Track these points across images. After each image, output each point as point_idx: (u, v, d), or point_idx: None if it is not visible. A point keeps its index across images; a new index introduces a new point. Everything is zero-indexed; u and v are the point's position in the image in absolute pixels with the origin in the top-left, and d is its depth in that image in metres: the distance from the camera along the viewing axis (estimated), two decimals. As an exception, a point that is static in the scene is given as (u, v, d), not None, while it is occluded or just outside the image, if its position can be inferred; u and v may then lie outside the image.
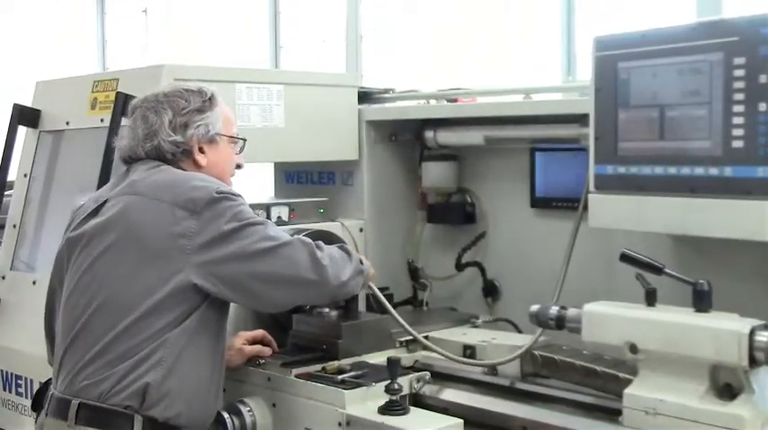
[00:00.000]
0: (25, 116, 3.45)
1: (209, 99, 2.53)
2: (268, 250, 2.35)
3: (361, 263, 2.61)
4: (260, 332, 2.84)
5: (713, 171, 2.33)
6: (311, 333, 2.86)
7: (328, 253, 2.48)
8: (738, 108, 2.27)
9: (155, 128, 2.46)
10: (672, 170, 2.42)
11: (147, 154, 2.48)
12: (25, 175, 3.53)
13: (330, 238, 3.13)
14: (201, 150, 2.50)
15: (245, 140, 2.65)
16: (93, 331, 2.31)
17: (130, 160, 2.51)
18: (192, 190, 2.36)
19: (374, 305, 3.02)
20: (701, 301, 2.21)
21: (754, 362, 2.05)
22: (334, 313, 2.89)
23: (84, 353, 2.31)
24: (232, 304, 2.55)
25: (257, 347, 2.79)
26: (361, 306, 3.13)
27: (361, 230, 3.42)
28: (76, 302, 2.37)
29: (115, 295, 2.31)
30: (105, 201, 2.43)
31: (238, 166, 2.64)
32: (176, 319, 2.32)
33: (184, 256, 2.30)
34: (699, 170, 2.36)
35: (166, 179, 2.41)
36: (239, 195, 2.43)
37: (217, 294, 2.36)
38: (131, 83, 3.00)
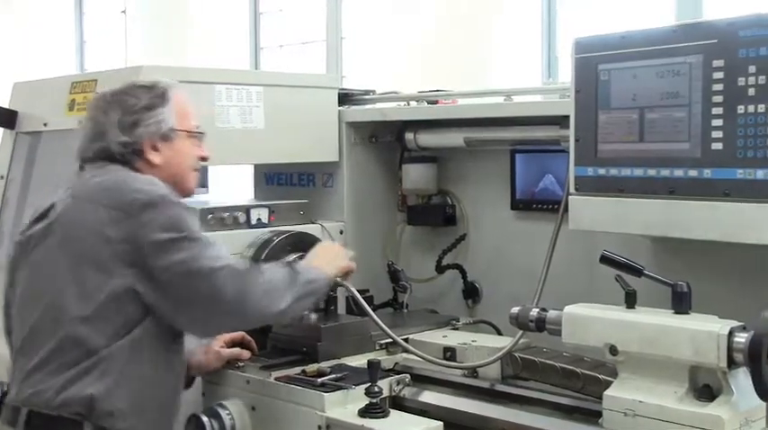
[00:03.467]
0: (2, 117, 3.42)
1: (162, 94, 2.45)
2: (196, 273, 2.24)
3: (313, 280, 2.49)
4: (239, 334, 2.81)
5: (692, 173, 2.35)
6: (291, 335, 2.85)
7: (268, 279, 2.36)
8: (717, 110, 2.28)
9: (103, 128, 2.41)
10: (651, 172, 2.43)
11: (96, 155, 2.41)
12: (2, 177, 3.51)
13: (310, 241, 3.14)
14: (155, 148, 2.42)
15: (202, 134, 2.56)
16: (38, 338, 2.26)
17: (83, 161, 2.46)
18: (132, 192, 2.27)
19: (354, 307, 3.02)
20: (681, 303, 2.21)
21: (732, 363, 2.06)
22: (313, 316, 2.88)
23: (30, 360, 2.25)
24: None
25: (236, 350, 2.76)
26: (341, 308, 3.14)
27: (341, 232, 3.42)
28: (24, 307, 2.33)
29: (57, 301, 2.24)
30: (53, 205, 2.36)
31: (203, 159, 2.56)
32: (119, 330, 2.23)
33: (119, 261, 2.22)
34: (678, 172, 2.38)
35: (109, 181, 2.33)
36: (182, 203, 2.33)
37: (152, 305, 2.26)
38: (110, 84, 2.95)
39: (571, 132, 2.61)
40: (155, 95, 2.43)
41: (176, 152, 2.46)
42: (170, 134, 2.44)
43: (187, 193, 2.51)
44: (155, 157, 2.42)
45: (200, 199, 3.52)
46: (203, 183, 3.70)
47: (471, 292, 3.42)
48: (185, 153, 2.49)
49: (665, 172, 2.40)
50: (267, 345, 2.89)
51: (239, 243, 3.05)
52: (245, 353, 2.78)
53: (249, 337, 2.82)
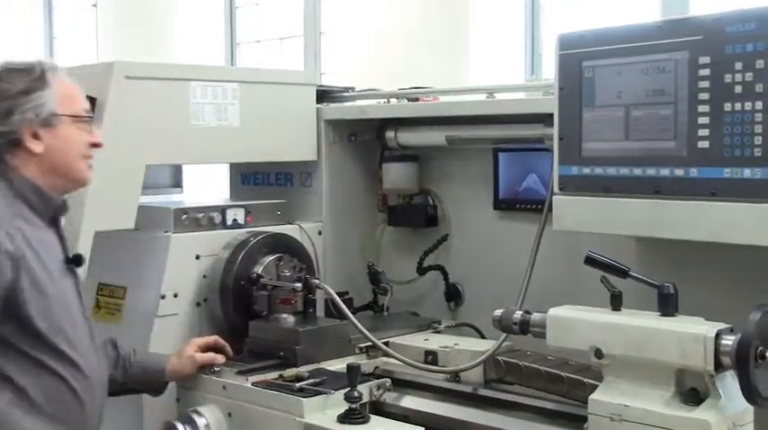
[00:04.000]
0: None
1: (40, 77, 2.29)
2: None
3: None
4: (212, 338, 2.81)
5: (679, 172, 2.35)
6: (268, 339, 2.85)
7: None
8: (704, 108, 2.29)
9: None
10: (637, 171, 2.44)
11: None
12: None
13: (287, 242, 3.13)
14: (36, 136, 2.27)
15: (90, 118, 2.41)
16: None
17: None
18: None
19: (333, 310, 3.02)
20: (667, 305, 2.22)
21: (719, 366, 2.07)
22: (291, 319, 2.89)
23: None
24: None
25: (209, 355, 2.75)
26: (320, 311, 3.13)
27: (319, 233, 3.41)
28: None
29: None
30: None
31: (95, 145, 2.40)
32: None
33: None
34: (664, 171, 2.38)
35: None
36: None
37: None
38: (81, 81, 2.91)
39: (555, 130, 2.61)
40: (32, 79, 2.29)
41: (61, 139, 2.31)
42: (52, 120, 2.29)
43: (79, 183, 2.41)
44: (35, 146, 2.27)
45: (174, 199, 3.52)
46: (177, 183, 3.69)
47: (453, 294, 3.42)
48: (71, 140, 2.33)
49: (650, 171, 2.41)
50: (244, 350, 2.88)
51: (215, 244, 3.05)
52: (220, 358, 2.77)
53: (223, 342, 2.82)
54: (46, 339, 2.22)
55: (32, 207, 2.28)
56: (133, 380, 2.67)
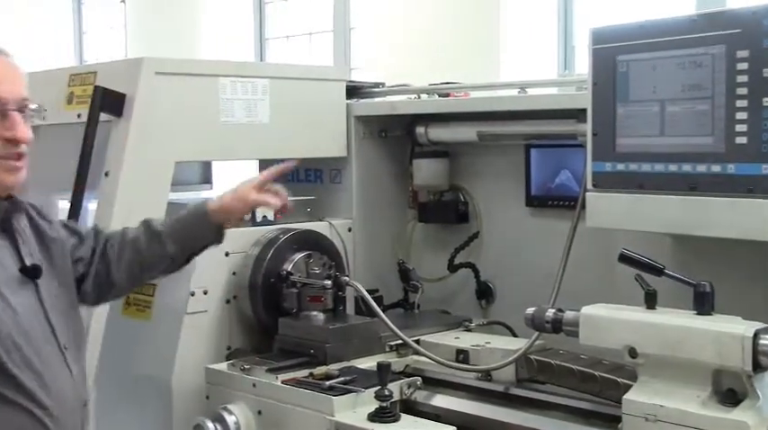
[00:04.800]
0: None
1: None
2: None
3: None
4: (270, 173, 2.51)
5: (715, 168, 2.33)
6: (298, 337, 2.85)
7: None
8: (741, 103, 2.26)
9: None
10: (672, 167, 2.42)
11: None
12: None
13: (317, 239, 3.14)
14: None
15: (4, 110, 2.01)
16: None
17: None
18: None
19: (363, 308, 3.02)
20: (703, 304, 2.20)
21: (758, 366, 2.05)
22: (321, 316, 2.90)
23: None
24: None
25: (263, 197, 2.47)
26: (350, 309, 3.14)
27: (349, 230, 3.41)
28: None
29: None
30: None
31: (11, 141, 2.02)
32: None
33: None
34: (700, 167, 2.36)
35: None
36: None
37: None
38: (110, 77, 2.99)
39: (588, 126, 2.60)
40: None
41: None
42: None
43: (1, 190, 2.05)
44: None
45: (204, 195, 3.53)
46: (207, 179, 3.71)
47: (485, 292, 3.41)
48: None
49: (686, 167, 2.39)
50: (273, 348, 2.89)
51: (244, 241, 3.06)
52: (274, 201, 2.51)
53: (278, 187, 2.53)
54: None
55: None
56: (185, 242, 2.44)
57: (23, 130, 2.03)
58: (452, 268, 3.44)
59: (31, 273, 2.06)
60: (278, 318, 2.93)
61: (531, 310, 2.49)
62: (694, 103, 2.36)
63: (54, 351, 2.06)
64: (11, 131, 2.00)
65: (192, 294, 2.95)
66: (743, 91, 2.26)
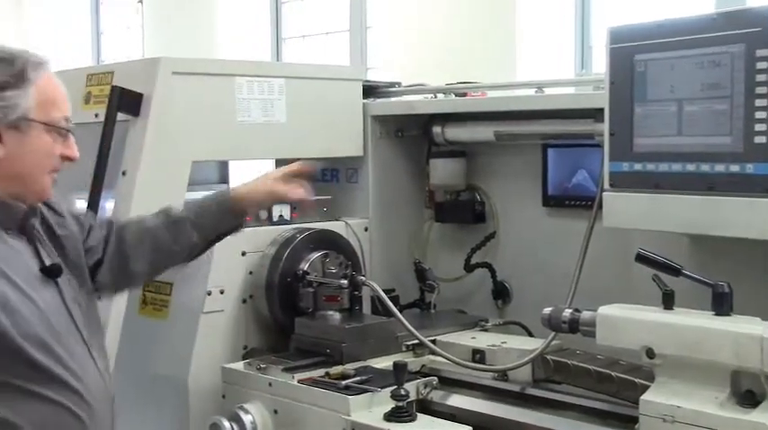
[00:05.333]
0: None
1: (20, 73, 2.01)
2: None
3: None
4: (294, 168, 2.51)
5: (734, 168, 2.32)
6: (314, 336, 2.86)
7: None
8: (761, 102, 2.25)
9: None
10: (690, 167, 2.41)
11: None
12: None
13: (333, 238, 3.14)
14: None
15: (68, 131, 2.11)
16: None
17: None
18: None
19: (379, 307, 3.03)
20: (721, 304, 2.19)
21: (776, 367, 2.04)
22: (337, 316, 2.90)
23: None
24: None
25: (288, 188, 2.45)
26: (366, 308, 3.14)
27: (366, 230, 3.42)
28: None
29: None
30: None
31: (68, 159, 2.12)
32: None
33: None
34: (719, 167, 2.35)
35: None
36: None
37: None
38: (127, 76, 3.00)
39: (606, 126, 2.59)
40: (11, 74, 2.01)
41: (27, 147, 2.03)
42: (20, 124, 2.01)
43: (37, 197, 2.12)
44: None
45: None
46: (224, 179, 3.72)
47: (501, 292, 3.41)
48: (40, 150, 2.06)
49: (704, 167, 2.38)
50: (290, 347, 2.90)
51: (261, 240, 3.07)
52: (299, 192, 2.48)
53: (305, 181, 2.52)
54: (25, 359, 1.97)
55: None
56: (208, 230, 2.44)
57: (77, 150, 2.15)
58: (469, 268, 3.44)
59: (51, 273, 2.10)
60: (294, 317, 2.94)
61: (547, 310, 2.48)
62: (713, 103, 2.35)
63: (81, 347, 2.10)
64: (70, 150, 2.12)
65: (209, 294, 2.96)
66: (762, 90, 2.25)
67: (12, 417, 1.96)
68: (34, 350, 1.98)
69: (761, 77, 2.25)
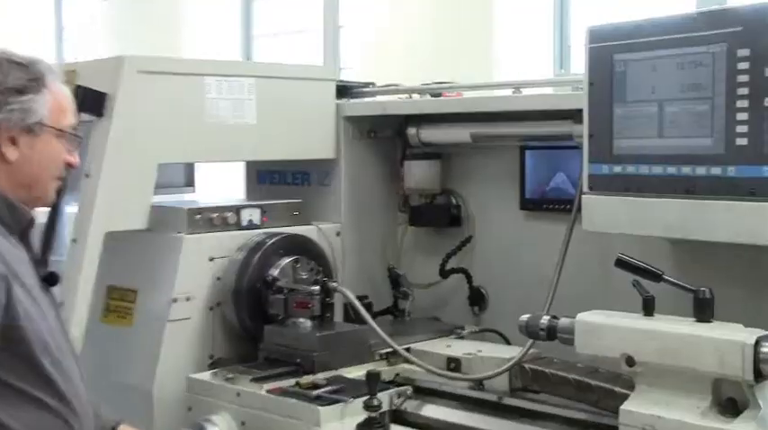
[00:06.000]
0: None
1: (37, 78, 2.11)
2: None
3: None
4: None
5: (715, 170, 2.33)
6: (284, 345, 2.85)
7: None
8: (742, 103, 2.26)
9: None
10: (671, 169, 2.42)
11: None
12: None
13: (304, 243, 3.13)
14: (14, 141, 2.08)
15: (79, 137, 2.22)
16: None
17: None
18: None
19: (352, 315, 3.03)
20: (703, 310, 2.20)
21: (759, 375, 2.05)
22: (308, 324, 2.89)
23: None
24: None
25: None
26: (339, 316, 3.14)
27: (338, 234, 3.41)
28: None
29: None
30: None
31: (69, 166, 2.20)
32: None
33: None
34: (700, 170, 2.36)
35: None
36: None
37: None
38: (91, 75, 2.97)
39: (585, 127, 2.60)
40: (29, 78, 2.10)
41: (39, 152, 2.11)
42: (35, 128, 2.09)
43: (41, 202, 2.20)
44: (11, 153, 2.08)
45: (187, 198, 3.53)
46: (190, 182, 3.71)
47: (477, 299, 3.41)
48: (50, 155, 2.14)
49: (685, 169, 2.39)
50: (259, 356, 2.89)
51: (229, 245, 3.05)
52: None
53: None
54: (35, 366, 2.01)
55: (2, 221, 2.07)
56: None
57: (78, 157, 2.22)
58: (444, 274, 3.43)
59: (51, 281, 2.15)
60: (263, 325, 2.92)
61: (525, 317, 2.49)
62: (694, 104, 2.36)
63: (71, 356, 2.15)
64: (72, 157, 2.20)
65: (175, 301, 2.94)
66: (744, 91, 2.26)
67: (8, 421, 1.97)
68: (42, 357, 2.02)
69: (742, 78, 2.26)
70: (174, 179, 3.64)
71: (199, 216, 3.04)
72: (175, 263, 2.95)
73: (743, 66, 2.26)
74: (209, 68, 3.17)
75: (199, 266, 3.00)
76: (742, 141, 2.27)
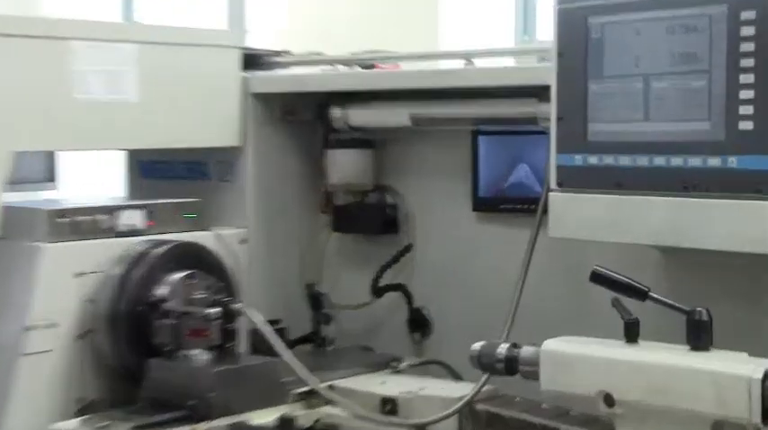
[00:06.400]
0: None
1: None
2: None
3: None
4: None
5: (714, 162, 2.35)
6: (173, 383, 2.83)
7: None
8: (747, 78, 2.28)
9: None
10: (659, 161, 2.44)
11: None
12: None
13: (200, 254, 3.11)
14: None
15: None
16: None
17: None
18: None
19: (261, 344, 3.01)
20: (699, 336, 2.21)
21: (768, 416, 2.07)
22: (204, 356, 2.87)
23: None
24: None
25: None
26: (244, 346, 3.14)
27: (243, 242, 3.40)
28: None
29: None
30: None
31: None
32: None
33: None
34: (695, 161, 2.38)
35: None
36: None
37: None
38: None
39: (552, 108, 2.61)
40: None
41: None
42: None
43: None
44: None
45: (48, 197, 3.48)
46: (50, 176, 3.67)
47: (419, 323, 3.43)
48: None
49: (677, 161, 2.41)
50: (140, 398, 2.86)
51: (102, 257, 3.02)
52: None
53: None
54: None
55: None
56: None
57: None
58: (377, 292, 3.45)
59: None
60: (147, 358, 2.90)
61: (478, 346, 2.49)
62: (687, 79, 2.37)
63: None
64: None
65: (31, 328, 2.88)
66: (748, 63, 2.28)
67: None
68: None
69: (746, 47, 2.28)
70: (31, 173, 3.62)
71: (62, 219, 3.00)
72: (32, 279, 2.91)
73: (747, 31, 2.28)
74: (77, 31, 3.13)
75: (63, 284, 2.96)
76: (746, 125, 2.29)
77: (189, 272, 3.00)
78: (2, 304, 2.94)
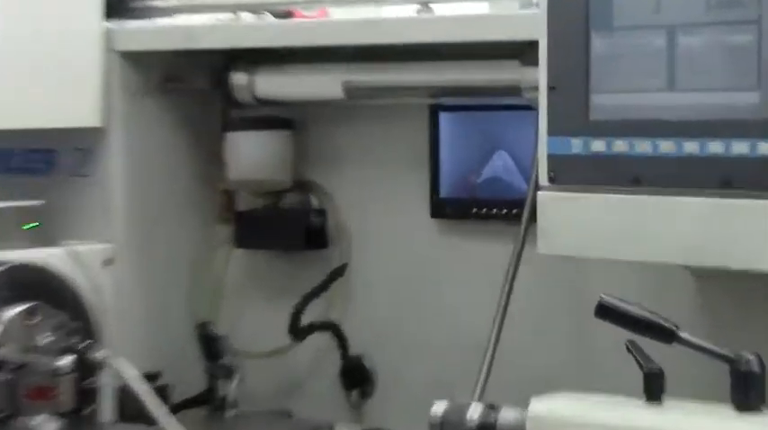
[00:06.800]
0: None
1: None
2: None
3: None
4: None
5: (764, 148, 2.35)
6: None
7: None
8: (810, 30, 2.31)
9: None
10: (691, 147, 2.44)
11: None
12: None
13: (46, 280, 3.08)
14: None
15: None
16: None
17: None
18: None
19: (131, 408, 2.99)
20: (747, 393, 2.21)
21: None
22: (52, 426, 2.87)
23: None
24: None
25: None
26: (108, 410, 3.14)
27: (108, 263, 3.38)
28: None
29: None
30: None
31: None
32: None
33: None
34: (739, 147, 2.38)
35: None
36: None
37: None
38: None
39: (542, 73, 2.61)
40: None
41: None
42: None
43: None
44: None
45: None
46: None
47: (357, 376, 3.44)
48: None
49: (714, 147, 2.41)
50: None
51: None
52: None
53: None
54: None
55: None
56: None
57: None
58: (298, 333, 3.44)
59: None
60: (-30, 428, 2.87)
61: (440, 408, 2.46)
62: (728, 32, 2.38)
63: None
64: None
65: None
66: (812, 8, 2.31)
67: None
68: None
69: (809, -14, 2.31)
70: None
71: None
72: None
73: (812, -36, 2.31)
74: None
75: None
76: (809, 96, 2.31)
77: (29, 305, 3.00)
78: None
